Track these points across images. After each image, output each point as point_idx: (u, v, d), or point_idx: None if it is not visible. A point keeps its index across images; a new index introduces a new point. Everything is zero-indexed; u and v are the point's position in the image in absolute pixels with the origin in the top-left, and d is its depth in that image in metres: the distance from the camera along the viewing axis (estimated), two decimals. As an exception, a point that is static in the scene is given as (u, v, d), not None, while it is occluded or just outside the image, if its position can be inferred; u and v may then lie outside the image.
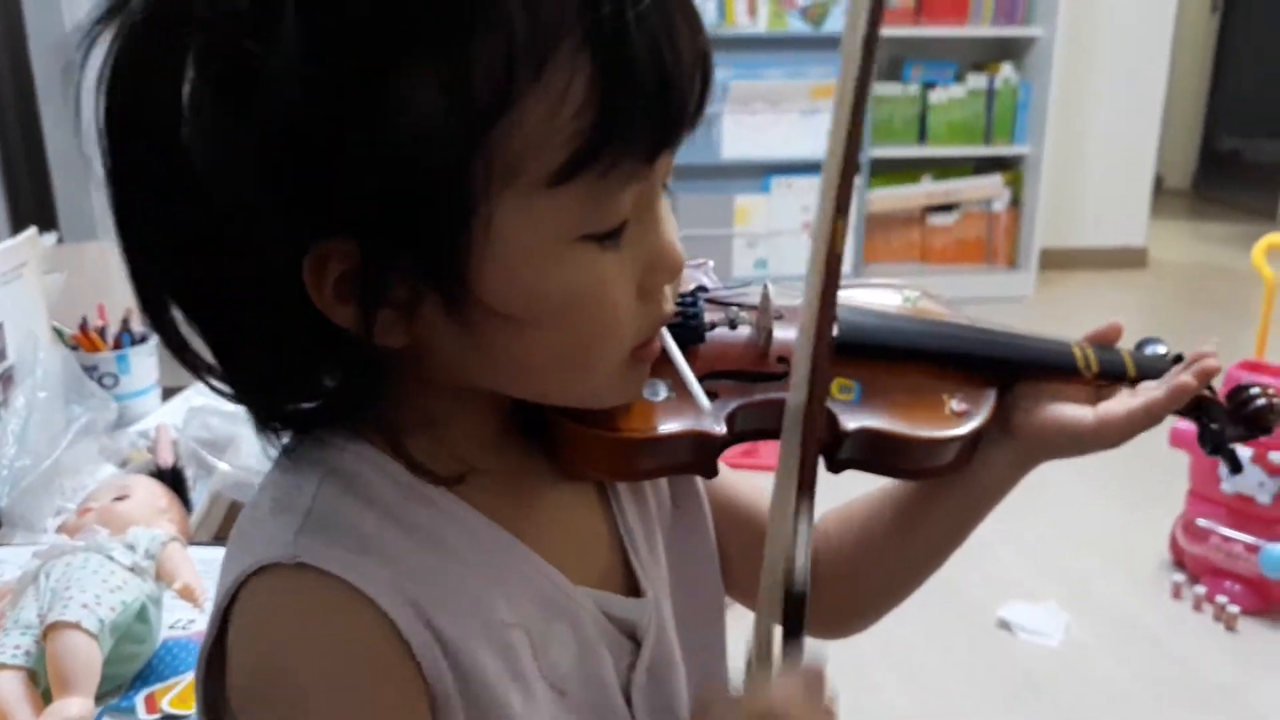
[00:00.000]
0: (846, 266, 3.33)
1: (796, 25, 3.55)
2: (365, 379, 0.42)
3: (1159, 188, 5.46)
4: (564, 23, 0.37)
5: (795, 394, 0.42)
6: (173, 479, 1.17)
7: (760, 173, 3.68)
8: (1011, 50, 3.78)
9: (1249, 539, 1.80)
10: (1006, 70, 3.72)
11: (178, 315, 0.42)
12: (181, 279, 0.41)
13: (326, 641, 0.40)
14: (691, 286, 0.55)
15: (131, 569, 0.78)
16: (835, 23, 3.55)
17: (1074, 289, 3.94)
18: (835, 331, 0.50)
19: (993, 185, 3.80)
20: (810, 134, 3.64)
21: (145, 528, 0.84)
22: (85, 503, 0.92)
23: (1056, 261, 4.03)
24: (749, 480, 0.59)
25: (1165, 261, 4.32)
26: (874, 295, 0.59)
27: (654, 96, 0.38)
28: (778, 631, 0.44)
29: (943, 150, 3.76)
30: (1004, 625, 1.80)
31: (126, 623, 0.75)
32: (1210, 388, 0.57)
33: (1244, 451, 1.79)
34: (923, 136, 3.78)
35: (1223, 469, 1.82)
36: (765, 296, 0.53)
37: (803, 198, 3.68)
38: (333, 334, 0.40)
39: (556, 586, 0.47)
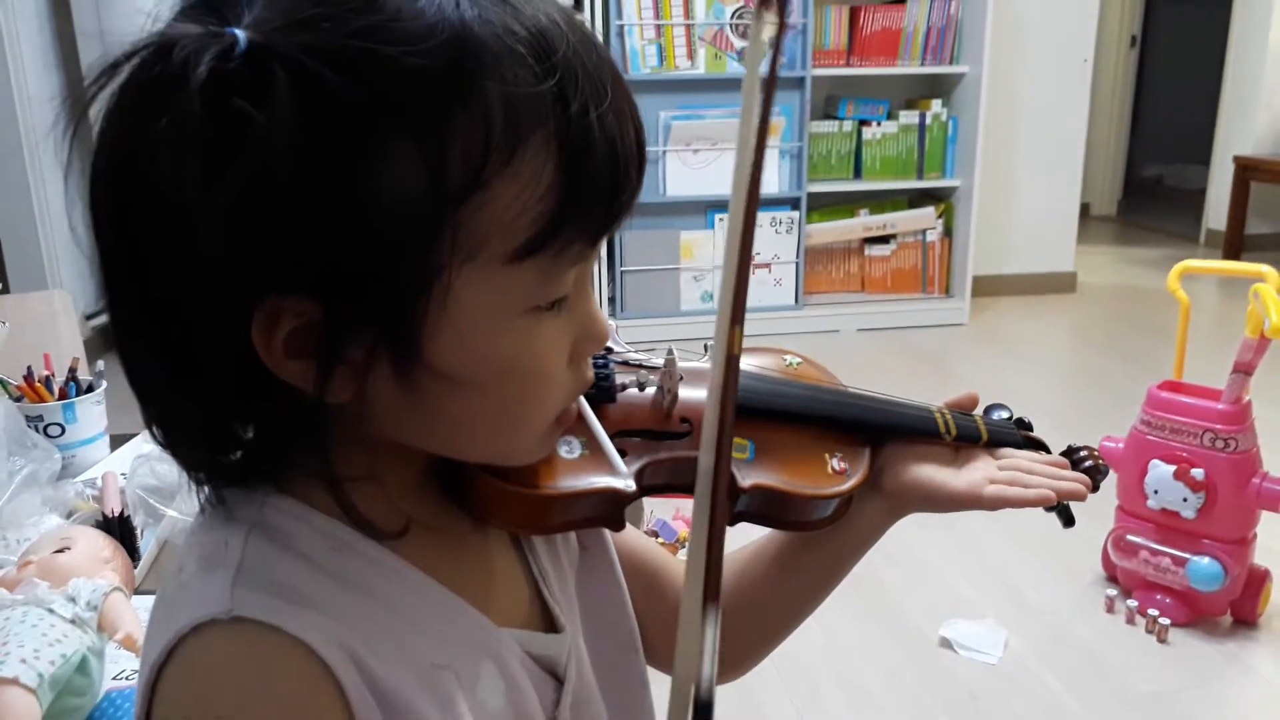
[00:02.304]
0: (789, 298, 3.35)
1: (734, 67, 3.64)
2: (303, 432, 0.43)
3: (1086, 215, 5.66)
4: (537, 116, 0.40)
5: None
6: (121, 527, 1.17)
7: (703, 209, 3.75)
8: (941, 87, 3.92)
9: (1176, 553, 1.87)
10: (936, 106, 3.85)
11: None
12: (139, 322, 0.41)
13: (269, 693, 0.41)
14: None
15: (72, 621, 0.79)
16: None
17: (1007, 313, 4.07)
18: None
19: (926, 217, 3.92)
20: (750, 170, 3.72)
21: (87, 579, 0.84)
22: (26, 555, 0.92)
23: (989, 288, 4.16)
24: (637, 533, 0.63)
25: (1093, 285, 4.47)
26: (759, 359, 0.64)
27: (607, 185, 0.42)
28: None
29: (877, 184, 3.87)
30: (945, 644, 1.84)
31: (66, 676, 0.76)
32: (1048, 450, 0.65)
33: (1166, 468, 1.86)
34: (858, 171, 3.89)
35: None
36: (670, 360, 0.57)
37: (744, 232, 3.76)
38: (275, 386, 0.41)
39: (481, 628, 0.48)
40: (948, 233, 3.95)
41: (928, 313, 3.93)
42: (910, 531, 2.49)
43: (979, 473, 0.60)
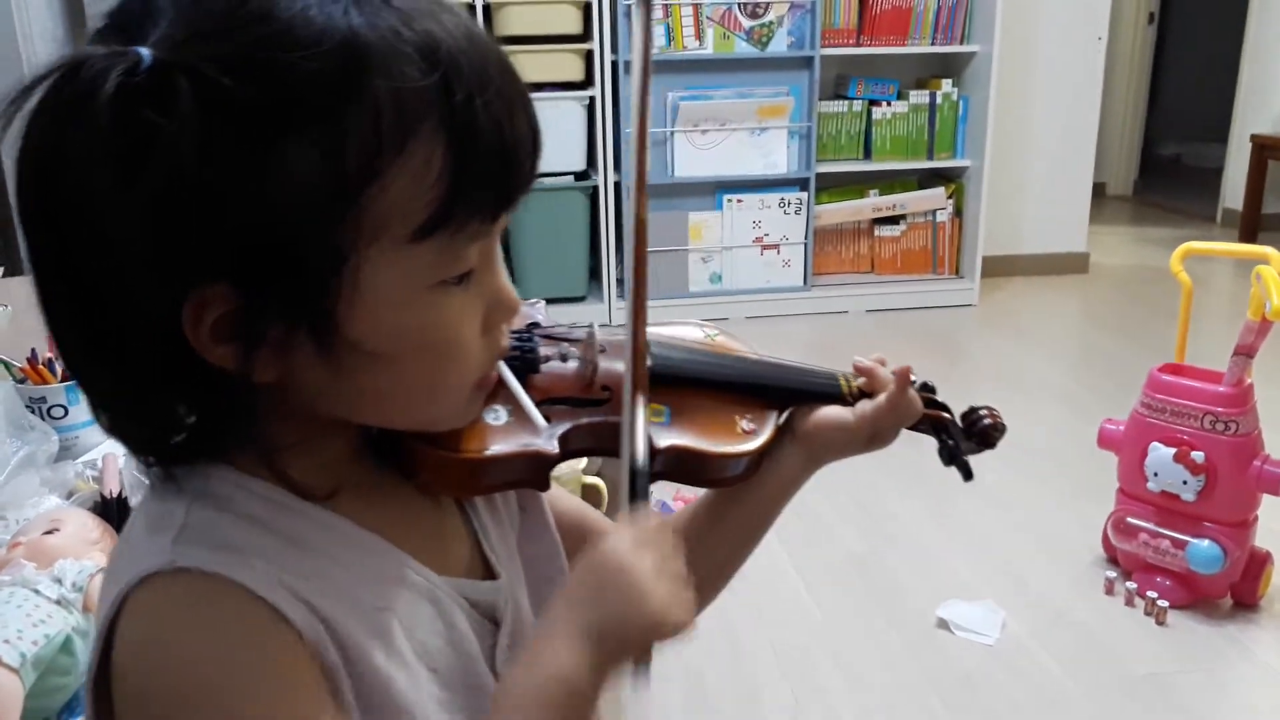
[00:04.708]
0: (798, 279, 3.35)
1: (742, 47, 3.61)
2: (235, 410, 0.46)
3: (1102, 194, 5.60)
4: (424, 107, 0.44)
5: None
6: (119, 508, 1.18)
7: (711, 190, 3.74)
8: (951, 66, 3.88)
9: (1176, 535, 1.86)
10: (946, 86, 3.81)
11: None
12: (74, 319, 0.45)
13: (214, 632, 0.44)
14: (527, 323, 0.62)
15: (58, 602, 0.81)
16: (780, 44, 3.63)
17: (1017, 294, 4.04)
18: (649, 363, 0.59)
19: (936, 197, 3.89)
20: (758, 152, 3.71)
21: (74, 560, 0.86)
22: (15, 537, 0.94)
23: (1000, 269, 4.13)
24: (569, 496, 0.68)
25: (1106, 266, 4.43)
26: (680, 331, 0.68)
27: (497, 168, 0.46)
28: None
29: (887, 164, 3.84)
30: (943, 624, 1.84)
31: (50, 656, 0.77)
32: (948, 410, 0.69)
33: (1166, 451, 1.85)
34: (867, 152, 3.86)
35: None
36: (591, 334, 0.61)
37: (753, 213, 3.75)
38: (205, 370, 0.45)
39: (420, 575, 0.52)
40: (958, 213, 3.92)
41: (937, 294, 3.91)
42: (910, 513, 2.50)
43: (868, 403, 0.66)
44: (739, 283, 3.78)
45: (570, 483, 1.37)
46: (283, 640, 0.45)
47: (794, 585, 2.00)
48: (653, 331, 0.63)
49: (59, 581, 0.83)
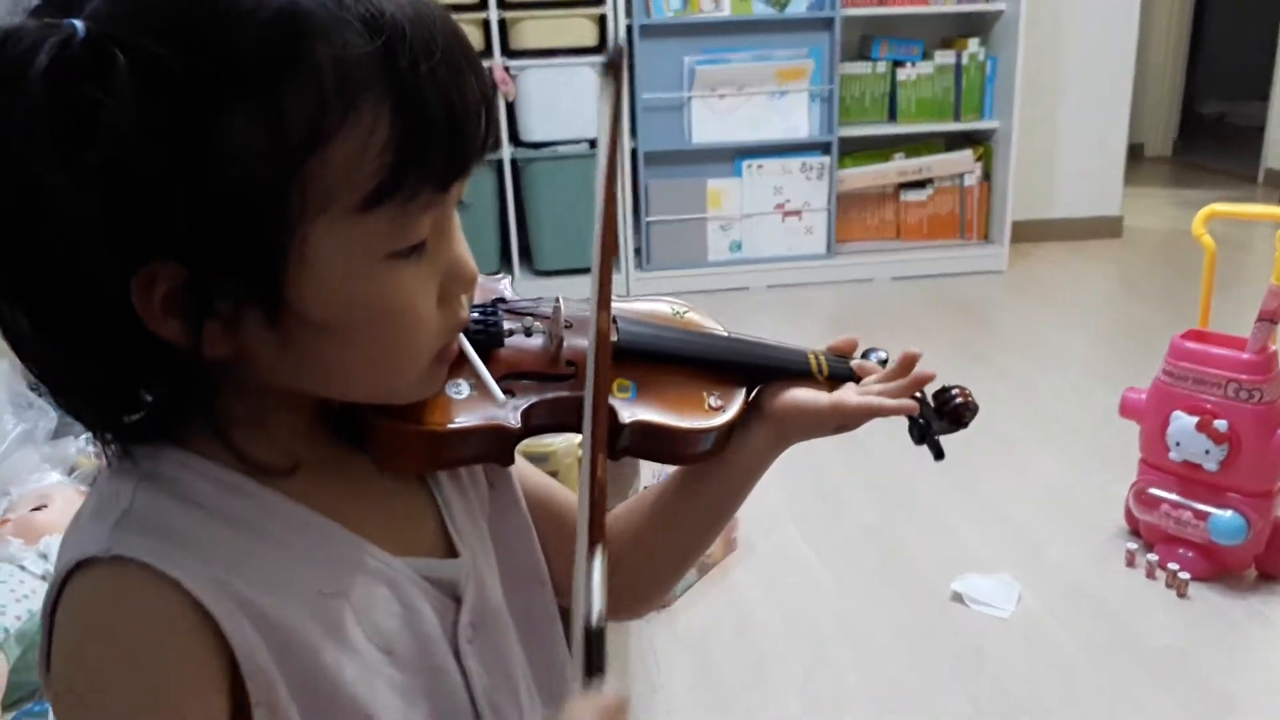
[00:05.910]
0: (821, 246, 3.30)
1: (760, 9, 3.55)
2: (190, 387, 0.46)
3: (1139, 156, 5.46)
4: (367, 75, 0.43)
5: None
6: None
7: (730, 156, 3.69)
8: (977, 26, 3.78)
9: (1198, 506, 1.82)
10: (973, 46, 3.72)
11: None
12: (21, 296, 0.45)
13: (129, 627, 0.44)
14: (492, 298, 0.61)
15: (43, 577, 0.82)
16: (799, 5, 3.56)
17: (1047, 260, 3.96)
18: (615, 338, 0.59)
19: (964, 160, 3.81)
20: (778, 116, 3.65)
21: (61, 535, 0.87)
22: (4, 514, 0.95)
23: (1031, 234, 4.04)
24: (537, 471, 0.67)
25: (1141, 229, 4.32)
26: (648, 307, 0.67)
27: (445, 135, 0.45)
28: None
29: (913, 127, 3.77)
30: (957, 598, 1.82)
31: (33, 631, 0.78)
32: (920, 390, 0.67)
33: (1188, 420, 1.81)
34: (893, 114, 3.79)
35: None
36: (557, 308, 0.60)
37: (773, 179, 3.70)
38: (159, 346, 0.45)
39: (375, 559, 0.52)
40: (986, 176, 3.84)
41: (965, 260, 3.84)
42: (924, 483, 2.46)
43: (846, 391, 0.65)
44: (760, 251, 3.74)
45: (567, 456, 1.36)
46: (195, 648, 0.44)
47: (805, 556, 1.99)
48: (621, 307, 0.63)
49: (44, 557, 0.84)
